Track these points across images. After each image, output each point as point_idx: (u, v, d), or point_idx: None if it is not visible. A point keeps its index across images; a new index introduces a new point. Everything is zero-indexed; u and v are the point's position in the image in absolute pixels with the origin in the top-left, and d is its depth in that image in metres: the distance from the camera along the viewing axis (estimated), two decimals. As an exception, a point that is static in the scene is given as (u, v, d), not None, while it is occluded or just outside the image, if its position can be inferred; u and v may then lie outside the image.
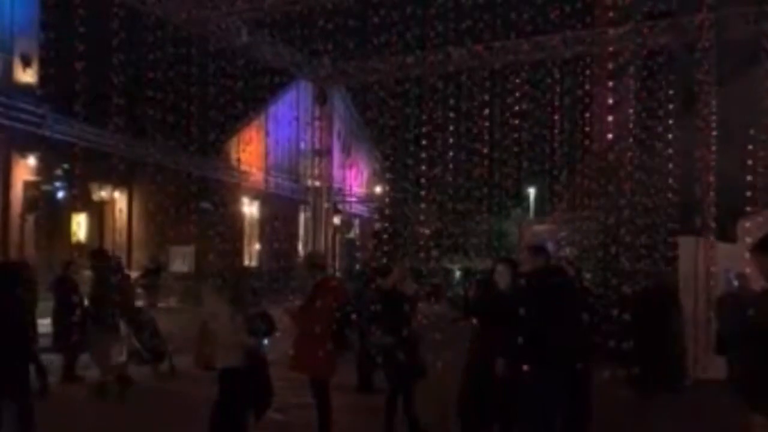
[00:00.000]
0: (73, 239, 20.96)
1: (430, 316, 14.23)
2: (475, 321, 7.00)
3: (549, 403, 5.79)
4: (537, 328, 5.79)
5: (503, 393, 6.28)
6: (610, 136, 15.74)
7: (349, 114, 31.35)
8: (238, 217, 26.86)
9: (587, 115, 17.27)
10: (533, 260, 6.29)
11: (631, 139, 15.77)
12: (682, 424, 8.55)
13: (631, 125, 15.74)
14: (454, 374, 7.02)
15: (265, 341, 7.95)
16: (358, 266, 23.10)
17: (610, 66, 16.06)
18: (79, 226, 22.36)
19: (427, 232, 24.32)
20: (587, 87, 17.02)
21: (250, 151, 26.14)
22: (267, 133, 25.17)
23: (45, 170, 19.81)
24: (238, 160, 25.81)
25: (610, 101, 15.69)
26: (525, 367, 5.86)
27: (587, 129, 17.66)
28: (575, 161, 18.38)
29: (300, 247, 29.32)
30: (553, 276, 6.38)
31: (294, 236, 28.79)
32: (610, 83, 15.91)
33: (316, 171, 21.21)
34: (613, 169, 16.07)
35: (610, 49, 15.84)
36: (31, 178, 19.54)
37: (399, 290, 8.10)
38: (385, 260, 18.21)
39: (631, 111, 15.85)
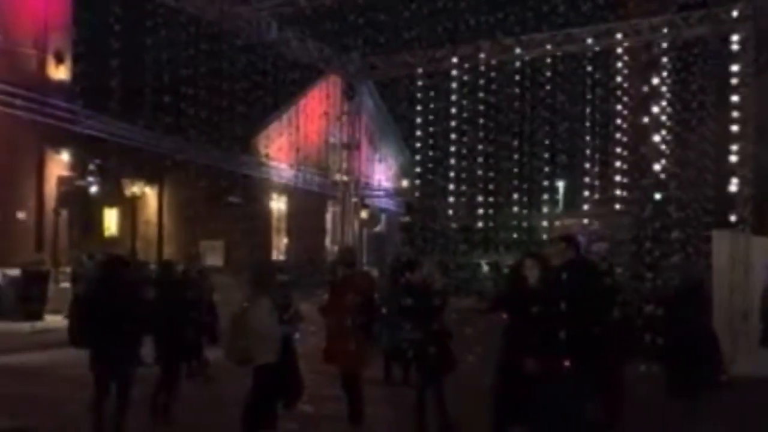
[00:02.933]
0: (106, 233, 21.26)
1: (461, 310, 14.20)
2: (504, 315, 6.98)
3: (577, 398, 5.74)
4: (567, 323, 5.73)
5: (534, 389, 6.24)
6: (643, 129, 15.55)
7: (377, 108, 31.34)
8: (266, 212, 27.03)
9: (619, 107, 17.07)
10: (563, 252, 6.22)
11: (664, 132, 15.55)
12: (715, 422, 8.43)
13: (664, 118, 15.53)
14: (485, 368, 7.01)
15: (296, 334, 8.06)
16: (387, 260, 23.13)
17: (644, 58, 15.84)
18: (111, 220, 22.67)
19: (456, 226, 24.26)
20: (619, 79, 16.82)
21: (279, 146, 26.29)
22: (295, 128, 25.26)
23: (78, 166, 20.12)
24: (267, 155, 25.98)
25: (644, 94, 15.49)
26: (559, 362, 5.80)
27: (619, 122, 17.45)
28: (607, 154, 18.17)
29: (327, 241, 29.42)
30: (584, 269, 6.32)
31: (321, 230, 28.90)
32: (644, 75, 15.69)
33: (344, 165, 21.24)
34: (647, 163, 15.87)
35: (644, 40, 15.61)
36: (64, 173, 19.86)
37: (428, 284, 8.12)
38: (413, 254, 18.20)
39: (664, 103, 15.63)
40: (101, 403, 6.97)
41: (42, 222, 19.39)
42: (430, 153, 20.19)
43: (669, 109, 15.67)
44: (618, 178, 17.63)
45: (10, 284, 17.68)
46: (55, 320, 17.32)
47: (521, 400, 6.36)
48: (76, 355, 13.53)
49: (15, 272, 17.84)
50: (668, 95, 15.77)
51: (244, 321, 7.35)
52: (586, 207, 18.96)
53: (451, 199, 22.28)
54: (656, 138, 15.42)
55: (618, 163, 17.33)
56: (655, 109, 15.48)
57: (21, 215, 18.86)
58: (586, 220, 18.14)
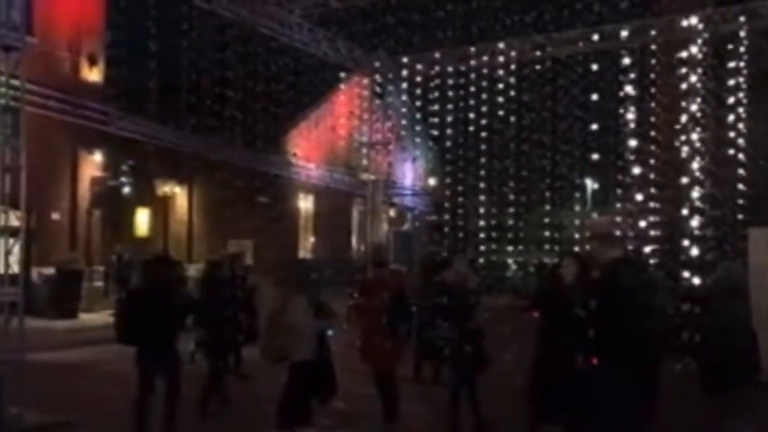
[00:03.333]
0: (137, 233, 21.48)
1: (493, 308, 14.13)
2: (537, 314, 6.93)
3: (622, 400, 5.66)
4: (613, 322, 5.66)
5: (571, 386, 6.18)
6: (678, 126, 15.33)
7: (405, 107, 31.31)
8: (294, 211, 27.14)
9: (653, 105, 16.83)
10: (608, 251, 6.14)
11: (699, 129, 15.32)
12: (751, 421, 8.26)
13: (699, 115, 15.29)
14: (518, 367, 6.97)
15: (330, 331, 8.09)
16: (414, 259, 23.11)
17: (679, 55, 15.61)
18: (143, 220, 22.90)
19: (484, 224, 24.11)
20: (653, 77, 16.58)
21: (307, 146, 26.37)
22: (324, 128, 25.35)
23: (111, 166, 20.34)
24: (295, 154, 26.09)
25: (679, 91, 15.26)
26: (595, 361, 5.74)
27: (653, 119, 17.21)
28: (641, 152, 17.92)
29: (354, 240, 29.46)
30: (631, 268, 6.24)
31: (348, 229, 28.94)
32: (679, 72, 15.46)
33: (372, 164, 21.24)
34: (681, 160, 15.63)
35: (679, 37, 15.39)
36: (97, 174, 20.09)
37: (463, 283, 8.09)
38: (444, 253, 18.14)
39: (700, 100, 15.39)
40: (145, 400, 7.08)
41: (75, 222, 19.63)
42: (460, 151, 20.10)
43: (704, 107, 15.42)
44: (652, 175, 17.37)
45: (45, 283, 17.94)
46: (89, 318, 17.56)
47: (556, 398, 6.31)
48: (113, 352, 13.70)
49: (50, 271, 18.12)
50: (703, 92, 15.52)
51: (280, 319, 7.39)
52: (620, 205, 18.72)
53: (481, 198, 22.16)
54: (693, 136, 15.18)
55: (652, 161, 17.08)
56: (693, 107, 15.24)
57: (55, 216, 19.10)
58: (619, 218, 17.93)
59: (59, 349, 13.15)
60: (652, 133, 17.27)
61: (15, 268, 8.24)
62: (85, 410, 8.55)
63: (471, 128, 18.72)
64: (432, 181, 34.10)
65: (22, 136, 8.18)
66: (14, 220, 8.19)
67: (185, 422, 7.69)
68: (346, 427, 7.87)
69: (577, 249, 11.05)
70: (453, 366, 7.90)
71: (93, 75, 20.02)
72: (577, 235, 21.85)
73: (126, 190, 20.55)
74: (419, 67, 19.00)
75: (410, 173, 33.89)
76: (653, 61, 16.68)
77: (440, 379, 10.11)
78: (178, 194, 25.00)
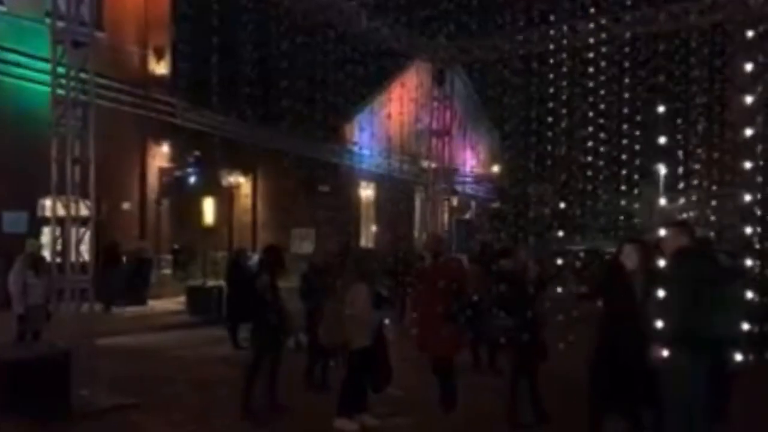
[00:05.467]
0: (204, 222, 22.00)
1: (557, 298, 13.89)
2: (600, 303, 6.76)
3: (692, 391, 5.46)
4: (685, 312, 5.44)
5: (638, 378, 6.01)
6: (749, 108, 14.61)
7: (467, 94, 30.99)
8: (355, 200, 27.28)
9: (724, 87, 16.13)
10: (677, 238, 5.91)
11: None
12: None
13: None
14: (579, 357, 6.83)
15: (387, 321, 8.13)
16: (478, 247, 22.91)
17: (751, 34, 14.87)
18: (209, 209, 23.43)
19: (548, 212, 23.72)
20: (724, 58, 15.88)
21: (368, 134, 26.43)
22: (384, 116, 25.32)
23: (178, 157, 20.88)
24: (356, 143, 26.19)
25: (750, 71, 14.55)
26: (664, 352, 5.54)
27: (724, 102, 16.51)
28: (711, 136, 17.22)
29: (416, 229, 29.42)
30: (703, 255, 6.01)
31: (409, 218, 28.91)
32: (750, 52, 14.74)
33: (433, 152, 21.11)
34: (752, 144, 14.92)
35: (751, 15, 14.68)
36: (165, 164, 20.67)
37: (521, 272, 7.99)
38: (505, 241, 17.92)
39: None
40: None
41: (145, 211, 20.27)
42: (522, 137, 19.76)
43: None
44: (722, 160, 16.66)
45: (116, 271, 18.61)
46: (158, 304, 18.12)
47: (619, 388, 6.17)
48: (180, 338, 14.16)
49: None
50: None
51: (342, 307, 7.47)
52: (688, 191, 18.04)
53: (545, 185, 21.77)
54: (762, 118, 14.43)
55: (723, 145, 16.37)
56: (762, 88, 14.50)
57: (126, 205, 19.77)
58: (688, 205, 17.30)
59: (128, 334, 13.62)
60: (724, 115, 16.55)
61: (85, 256, 8.56)
62: (152, 393, 8.83)
63: (533, 113, 18.34)
64: (495, 168, 33.72)
65: (91, 129, 8.46)
66: (84, 210, 8.49)
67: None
68: (403, 415, 7.90)
69: (640, 236, 10.70)
70: (510, 355, 7.83)
71: (160, 68, 20.57)
72: (644, 223, 21.24)
73: (192, 180, 21.04)
74: (480, 52, 18.71)
75: (473, 160, 33.58)
76: (725, 41, 15.96)
77: (497, 368, 10.05)
78: (243, 184, 25.47)
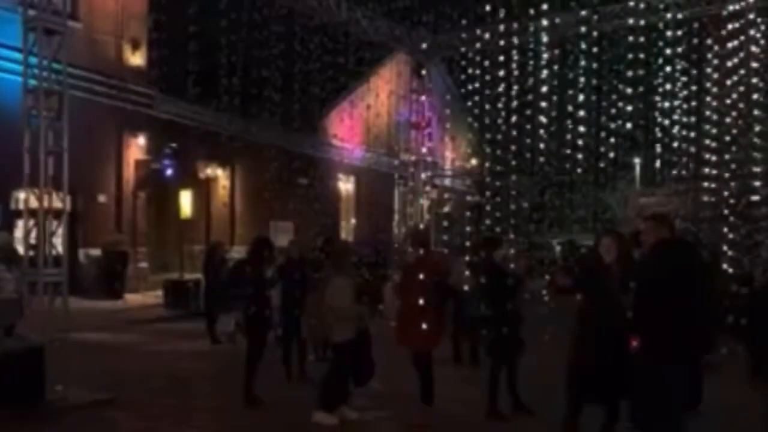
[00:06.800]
0: (181, 215, 21.72)
1: (534, 291, 13.97)
2: (578, 296, 6.77)
3: (668, 385, 5.45)
4: (663, 305, 5.43)
5: (616, 369, 6.01)
6: (728, 101, 14.77)
7: (445, 86, 30.93)
8: (334, 192, 27.16)
9: (702, 80, 16.23)
10: (657, 230, 5.89)
11: (751, 105, 14.73)
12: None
13: (751, 89, 14.70)
14: (557, 349, 6.84)
15: (368, 314, 8.12)
16: (455, 241, 22.93)
17: (730, 27, 15.00)
18: (186, 202, 23.18)
19: (526, 205, 23.76)
20: (702, 51, 15.97)
21: (347, 127, 26.29)
22: (364, 108, 25.23)
23: (154, 149, 20.59)
24: (335, 135, 26.04)
25: (729, 65, 14.69)
26: (635, 344, 5.53)
27: (702, 94, 16.61)
28: (689, 128, 17.34)
29: (395, 222, 29.38)
30: (681, 249, 6.01)
31: (389, 211, 28.86)
32: (729, 45, 14.87)
33: (412, 145, 21.06)
34: (733, 137, 15.09)
35: (730, 8, 14.79)
36: (141, 156, 20.38)
37: (502, 265, 8.00)
38: (487, 234, 17.93)
39: (752, 74, 14.78)
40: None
41: (121, 204, 19.98)
42: (501, 131, 19.75)
43: (756, 80, 14.80)
44: (701, 153, 16.77)
45: (92, 264, 18.36)
46: (134, 299, 17.92)
47: (597, 380, 6.18)
48: (156, 332, 14.00)
49: (96, 253, 18.51)
50: (756, 65, 14.89)
51: (323, 300, 7.42)
52: (666, 184, 18.14)
53: (522, 177, 21.81)
54: (742, 110, 14.60)
55: (701, 138, 16.49)
56: (741, 80, 14.66)
57: (102, 198, 19.47)
58: (665, 198, 17.41)
59: (104, 329, 13.44)
60: (701, 108, 16.66)
61: (59, 249, 8.39)
62: (128, 389, 8.71)
63: (513, 106, 18.32)
64: (473, 162, 33.70)
65: (65, 120, 8.28)
66: (58, 202, 8.32)
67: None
68: (382, 408, 7.87)
69: (618, 229, 10.79)
70: (489, 347, 7.84)
71: (136, 59, 20.24)
72: (620, 215, 21.36)
73: (169, 172, 20.76)
74: (460, 44, 18.66)
75: (452, 153, 33.56)
76: (703, 34, 16.04)
77: (478, 360, 10.06)
78: (221, 176, 25.22)
